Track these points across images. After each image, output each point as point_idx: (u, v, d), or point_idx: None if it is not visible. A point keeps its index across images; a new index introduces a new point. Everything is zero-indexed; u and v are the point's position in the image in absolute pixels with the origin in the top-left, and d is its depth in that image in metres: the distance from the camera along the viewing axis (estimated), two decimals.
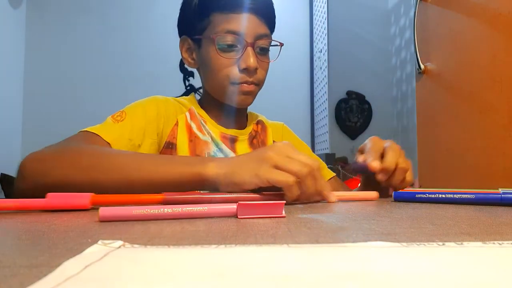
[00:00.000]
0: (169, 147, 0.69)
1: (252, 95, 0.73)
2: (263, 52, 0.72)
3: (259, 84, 0.73)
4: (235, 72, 0.70)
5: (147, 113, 0.68)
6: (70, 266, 0.15)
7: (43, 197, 0.38)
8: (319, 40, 2.56)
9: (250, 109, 0.82)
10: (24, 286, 0.12)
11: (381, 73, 2.51)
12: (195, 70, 0.80)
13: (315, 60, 2.64)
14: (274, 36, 0.75)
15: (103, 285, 0.12)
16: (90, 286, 0.12)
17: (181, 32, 0.77)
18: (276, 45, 0.75)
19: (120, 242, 0.19)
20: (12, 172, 1.97)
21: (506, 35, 0.93)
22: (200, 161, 0.49)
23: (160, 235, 0.23)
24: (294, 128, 0.91)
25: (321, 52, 2.50)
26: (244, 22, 0.69)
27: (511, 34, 0.92)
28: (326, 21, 2.38)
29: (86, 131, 0.61)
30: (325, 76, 2.41)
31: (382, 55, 2.53)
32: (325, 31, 2.39)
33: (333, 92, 2.44)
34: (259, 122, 0.84)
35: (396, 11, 2.44)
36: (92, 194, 0.39)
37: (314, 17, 2.68)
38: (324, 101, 2.44)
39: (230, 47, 0.69)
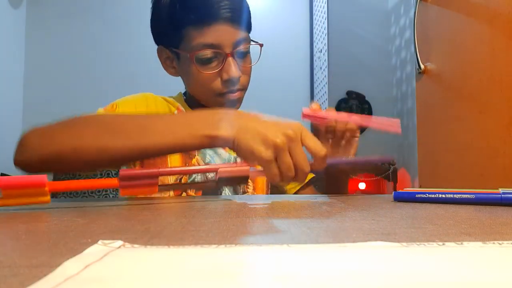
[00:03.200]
0: None
1: (239, 101, 0.72)
2: (242, 56, 0.70)
3: (244, 89, 0.71)
4: (218, 84, 0.68)
5: (137, 107, 0.69)
6: (70, 266, 0.15)
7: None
8: (319, 40, 2.56)
9: (243, 106, 0.81)
10: (24, 286, 0.12)
11: (381, 73, 2.51)
12: None
13: (315, 60, 2.64)
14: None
15: (103, 285, 0.12)
16: (90, 286, 0.12)
17: (156, 40, 0.74)
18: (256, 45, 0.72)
19: (120, 242, 0.19)
20: (12, 172, 1.97)
21: (506, 35, 0.93)
22: (211, 122, 0.47)
23: (160, 235, 0.23)
24: None
25: (321, 52, 2.50)
26: (220, 33, 0.66)
27: (511, 34, 0.92)
28: (326, 21, 2.38)
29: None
30: (325, 76, 2.41)
31: (382, 55, 2.52)
32: (325, 31, 2.39)
33: (333, 92, 2.43)
34: None
35: (396, 11, 2.44)
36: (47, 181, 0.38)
37: (314, 17, 2.68)
38: (324, 101, 2.44)
39: (209, 60, 0.67)
